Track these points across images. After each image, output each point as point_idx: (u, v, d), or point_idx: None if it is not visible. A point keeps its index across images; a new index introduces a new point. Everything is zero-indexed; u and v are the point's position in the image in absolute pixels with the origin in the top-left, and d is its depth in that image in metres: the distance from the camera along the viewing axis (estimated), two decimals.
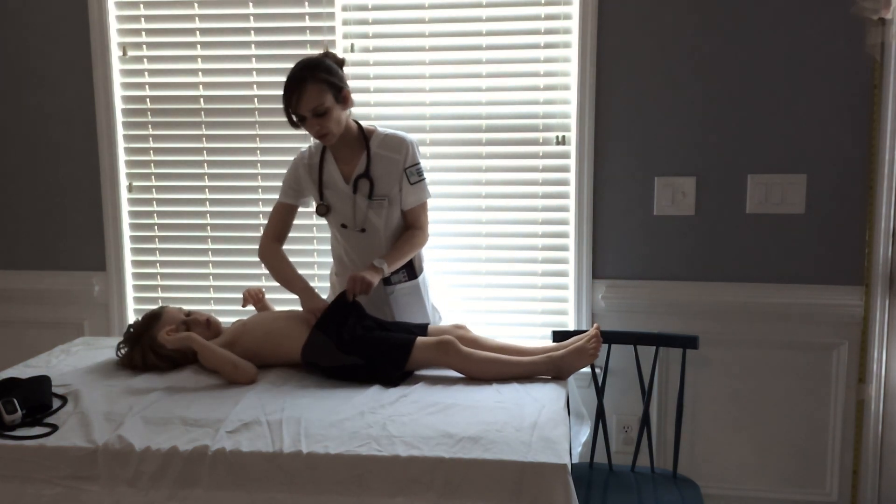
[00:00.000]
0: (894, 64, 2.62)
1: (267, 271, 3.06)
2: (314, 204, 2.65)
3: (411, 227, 2.62)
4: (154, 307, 2.54)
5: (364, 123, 2.58)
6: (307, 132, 2.46)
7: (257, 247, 3.06)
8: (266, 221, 3.03)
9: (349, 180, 2.55)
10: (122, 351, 2.44)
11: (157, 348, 2.37)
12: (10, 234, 3.19)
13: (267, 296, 2.74)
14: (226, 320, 2.57)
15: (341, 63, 2.49)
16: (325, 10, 2.93)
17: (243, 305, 2.67)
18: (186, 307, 2.53)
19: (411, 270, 2.64)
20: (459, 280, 3.00)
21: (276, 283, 3.05)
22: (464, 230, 2.99)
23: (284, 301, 2.97)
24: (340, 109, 2.44)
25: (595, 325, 2.40)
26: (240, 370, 2.27)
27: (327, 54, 2.49)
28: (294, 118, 2.43)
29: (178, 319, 2.42)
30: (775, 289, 2.83)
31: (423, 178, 2.59)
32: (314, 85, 2.37)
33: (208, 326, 2.43)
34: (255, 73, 3.00)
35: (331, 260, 2.79)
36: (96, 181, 3.09)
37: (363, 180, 2.54)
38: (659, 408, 2.94)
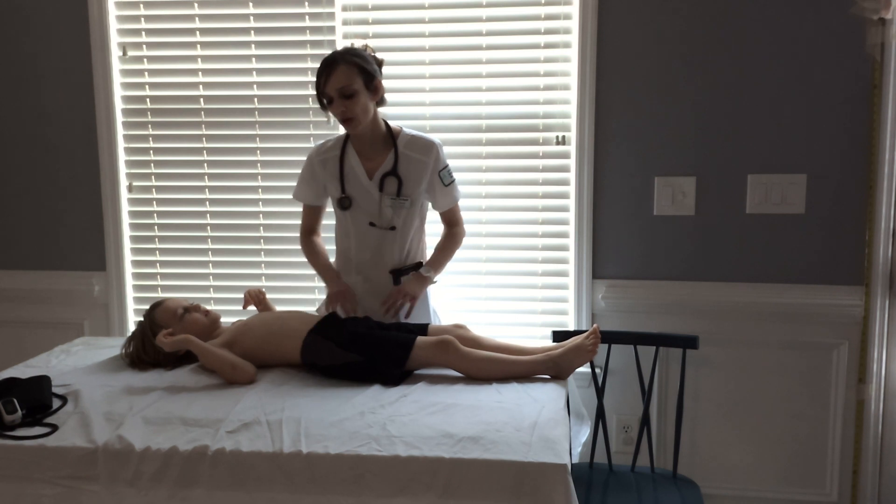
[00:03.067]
0: (894, 64, 2.62)
1: (267, 271, 3.10)
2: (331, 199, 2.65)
3: (449, 225, 2.69)
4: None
5: (391, 123, 2.61)
6: (331, 117, 2.49)
7: (257, 247, 3.10)
8: (266, 221, 3.09)
9: (372, 177, 2.55)
10: (128, 345, 2.45)
11: (158, 331, 2.38)
12: (10, 234, 3.19)
13: (268, 295, 2.74)
14: (226, 320, 2.57)
15: (380, 62, 2.52)
16: (325, 10, 2.93)
17: (244, 307, 2.67)
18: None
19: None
20: (459, 280, 3.00)
21: (277, 284, 3.08)
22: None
23: (286, 301, 2.98)
24: (369, 98, 2.46)
25: (594, 325, 2.39)
26: (238, 370, 2.26)
27: (366, 48, 2.53)
28: (323, 101, 2.46)
29: (180, 304, 2.43)
30: (775, 289, 2.83)
31: (454, 180, 2.63)
32: (345, 66, 2.41)
33: (206, 315, 2.44)
34: (255, 73, 3.00)
35: (330, 259, 2.79)
36: (96, 181, 3.09)
37: (390, 178, 2.54)
38: (659, 408, 2.94)
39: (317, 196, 2.65)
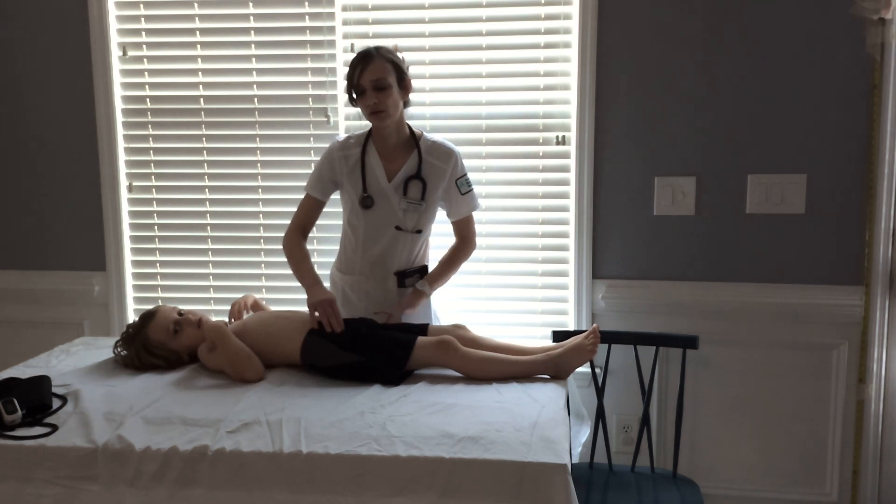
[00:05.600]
0: (894, 64, 2.62)
1: (267, 271, 3.08)
2: (338, 195, 2.64)
3: (460, 238, 2.67)
4: (153, 307, 2.53)
5: (413, 124, 2.62)
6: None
7: (257, 247, 3.09)
8: (266, 221, 3.07)
9: (391, 178, 2.55)
10: (119, 351, 2.44)
11: (150, 348, 2.37)
12: (9, 234, 3.19)
13: (268, 296, 2.72)
14: (226, 320, 2.57)
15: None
16: (325, 10, 2.93)
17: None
18: (185, 307, 2.53)
19: (426, 275, 2.65)
20: (459, 280, 2.98)
21: (277, 284, 3.07)
22: None
23: (286, 302, 2.98)
24: (399, 94, 2.49)
25: (594, 325, 2.40)
26: (253, 362, 2.27)
27: (395, 48, 2.55)
28: (353, 94, 2.48)
29: (172, 319, 2.41)
30: (775, 289, 2.83)
31: (472, 189, 2.63)
32: (380, 61, 2.45)
33: (199, 326, 2.42)
34: (255, 73, 3.00)
35: (330, 259, 2.78)
36: (96, 181, 3.09)
37: (414, 181, 2.54)
38: (659, 408, 2.94)
39: (325, 191, 2.62)
